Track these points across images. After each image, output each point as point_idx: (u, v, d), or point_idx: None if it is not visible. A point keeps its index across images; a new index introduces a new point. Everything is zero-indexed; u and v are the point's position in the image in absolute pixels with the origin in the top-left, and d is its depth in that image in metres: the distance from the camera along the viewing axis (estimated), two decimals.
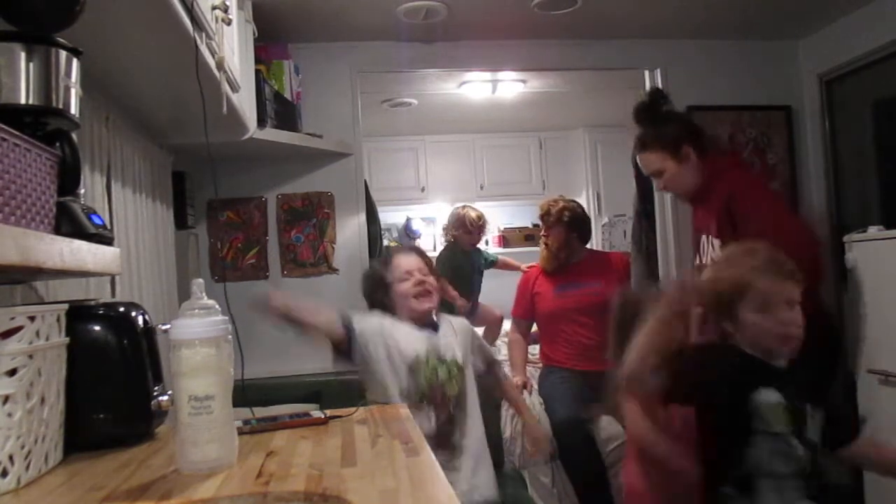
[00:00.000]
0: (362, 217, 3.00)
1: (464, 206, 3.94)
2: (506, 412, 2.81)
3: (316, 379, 2.65)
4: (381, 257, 2.34)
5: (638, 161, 2.39)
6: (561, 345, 3.11)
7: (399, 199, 4.83)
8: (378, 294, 2.11)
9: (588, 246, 3.37)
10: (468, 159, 4.97)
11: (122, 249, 1.60)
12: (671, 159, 2.24)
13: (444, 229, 3.92)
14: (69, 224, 1.05)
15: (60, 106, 1.03)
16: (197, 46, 1.41)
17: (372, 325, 2.01)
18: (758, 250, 1.54)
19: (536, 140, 5.01)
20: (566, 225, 3.13)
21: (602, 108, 4.40)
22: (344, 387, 2.60)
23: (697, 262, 2.31)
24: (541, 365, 3.31)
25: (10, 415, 0.86)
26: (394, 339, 2.00)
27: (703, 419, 1.52)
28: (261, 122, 2.35)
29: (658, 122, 2.29)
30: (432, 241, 5.05)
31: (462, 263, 3.77)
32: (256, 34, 2.34)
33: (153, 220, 2.13)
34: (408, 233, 5.07)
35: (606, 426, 2.90)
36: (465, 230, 3.84)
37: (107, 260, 1.12)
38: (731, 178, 2.19)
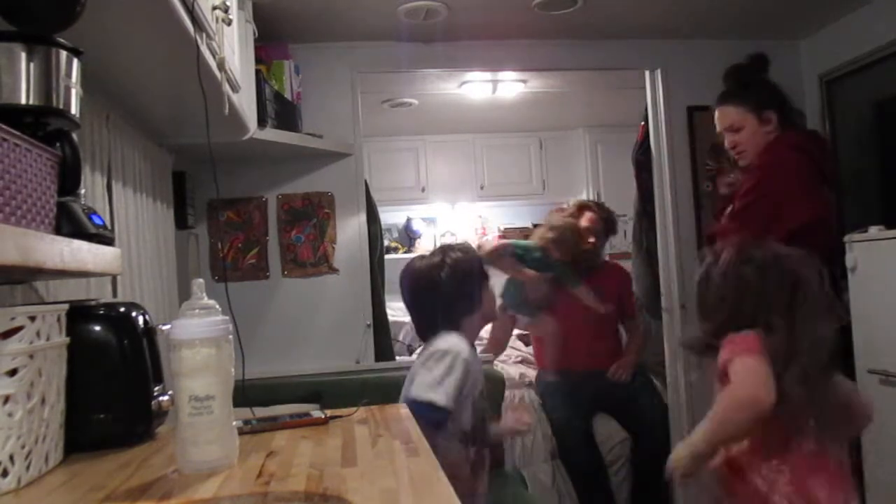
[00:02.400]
0: (362, 217, 3.00)
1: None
2: (505, 410, 2.81)
3: (316, 379, 2.65)
4: (460, 246, 1.88)
5: (716, 113, 2.32)
6: (557, 344, 3.09)
7: (399, 199, 4.82)
8: (466, 288, 1.77)
9: None
10: (468, 159, 4.97)
11: (122, 249, 1.60)
12: (753, 117, 2.20)
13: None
14: (69, 224, 1.05)
15: (61, 106, 1.03)
16: (198, 47, 1.41)
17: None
18: None
19: (536, 140, 5.01)
20: (605, 223, 3.20)
21: (602, 108, 4.40)
22: (344, 387, 2.62)
23: None
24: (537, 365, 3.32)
25: (10, 415, 0.86)
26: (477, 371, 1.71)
27: None
28: (261, 122, 2.35)
29: (750, 82, 2.26)
30: (433, 241, 5.05)
31: None
32: (256, 34, 2.34)
33: (153, 220, 2.13)
34: (408, 233, 5.07)
35: (606, 425, 2.90)
36: None
37: (107, 260, 1.12)
38: (761, 156, 2.18)
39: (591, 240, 3.15)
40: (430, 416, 1.50)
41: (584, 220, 3.17)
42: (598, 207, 3.29)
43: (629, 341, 3.20)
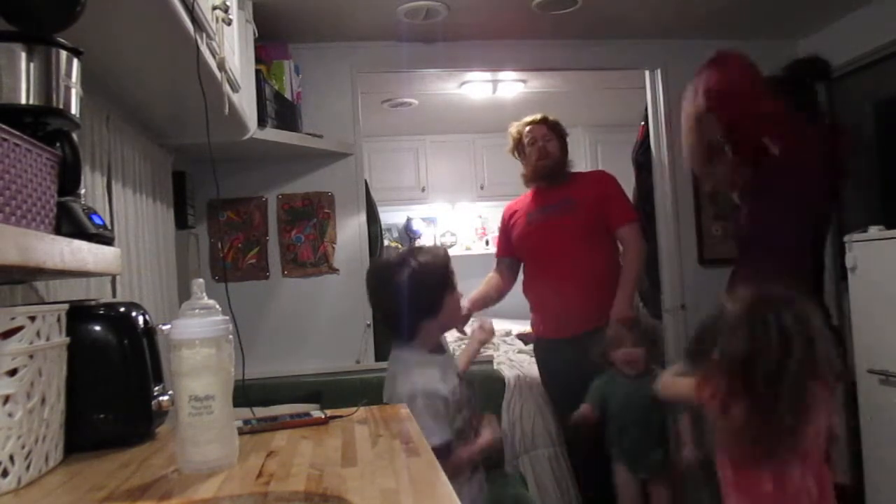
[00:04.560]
0: (362, 217, 3.01)
1: None
2: (504, 408, 2.80)
3: (316, 379, 2.66)
4: (428, 249, 1.85)
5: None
6: (541, 302, 2.78)
7: (399, 199, 4.83)
8: (427, 293, 1.74)
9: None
10: (468, 159, 4.97)
11: (122, 249, 1.60)
12: (752, 114, 2.23)
13: None
14: (70, 224, 1.05)
15: (61, 106, 1.03)
16: (198, 47, 1.41)
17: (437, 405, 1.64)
18: None
19: None
20: (548, 128, 2.87)
21: (602, 108, 4.40)
22: (344, 387, 2.62)
23: None
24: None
25: (10, 415, 0.86)
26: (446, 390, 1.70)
27: None
28: (261, 122, 2.36)
29: (790, 86, 2.29)
30: (433, 241, 5.05)
31: None
32: (257, 34, 2.34)
33: (153, 219, 2.13)
34: (408, 233, 5.07)
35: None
36: None
37: (107, 260, 1.12)
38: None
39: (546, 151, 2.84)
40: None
41: (530, 137, 2.91)
42: (541, 119, 2.92)
43: (622, 271, 2.63)
